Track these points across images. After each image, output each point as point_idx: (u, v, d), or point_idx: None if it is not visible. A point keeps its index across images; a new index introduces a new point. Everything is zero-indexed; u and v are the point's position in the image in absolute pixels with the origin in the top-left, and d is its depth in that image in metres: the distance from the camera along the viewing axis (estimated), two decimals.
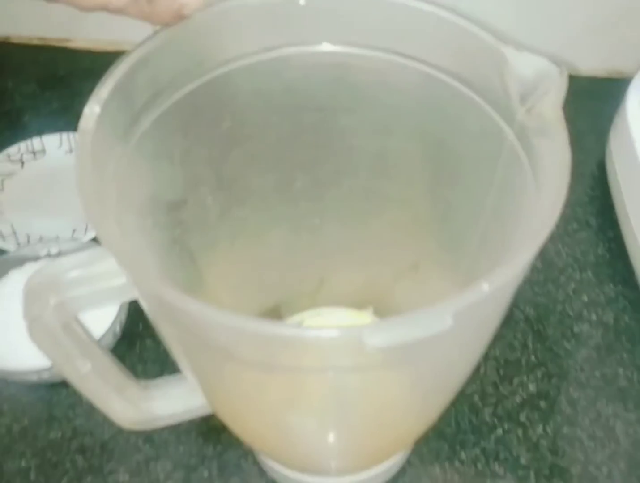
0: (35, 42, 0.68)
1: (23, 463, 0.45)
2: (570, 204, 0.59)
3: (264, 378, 0.27)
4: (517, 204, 0.30)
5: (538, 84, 0.28)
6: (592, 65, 0.69)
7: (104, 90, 0.29)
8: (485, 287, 0.23)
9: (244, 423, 0.35)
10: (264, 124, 0.37)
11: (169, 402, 0.38)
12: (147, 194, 0.33)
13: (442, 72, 0.32)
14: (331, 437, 0.33)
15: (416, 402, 0.32)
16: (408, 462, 0.45)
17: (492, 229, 0.34)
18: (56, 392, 0.48)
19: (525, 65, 0.28)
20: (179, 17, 0.27)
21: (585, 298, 0.53)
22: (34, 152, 0.59)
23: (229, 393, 0.31)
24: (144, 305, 0.28)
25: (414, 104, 0.35)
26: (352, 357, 0.23)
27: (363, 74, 0.35)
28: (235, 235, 0.40)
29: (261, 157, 0.38)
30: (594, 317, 0.52)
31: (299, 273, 0.44)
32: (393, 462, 0.43)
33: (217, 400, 0.34)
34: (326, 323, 0.44)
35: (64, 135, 0.59)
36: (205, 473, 0.45)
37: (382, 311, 0.45)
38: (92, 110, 0.28)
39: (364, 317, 0.45)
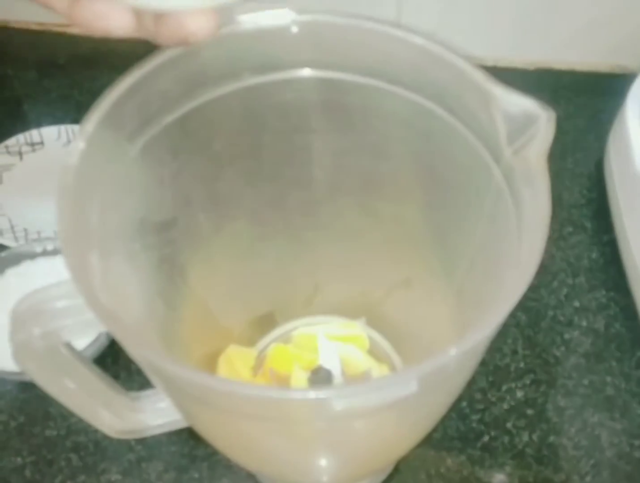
0: (34, 27, 0.68)
1: (19, 461, 0.46)
2: (566, 206, 0.58)
3: (242, 422, 0.27)
4: (501, 243, 0.30)
5: (526, 126, 0.28)
6: (595, 59, 0.67)
7: (90, 124, 0.28)
8: (452, 352, 0.22)
9: (224, 446, 0.35)
10: (256, 144, 0.36)
11: (158, 414, 0.38)
12: (136, 217, 0.33)
13: (431, 103, 0.32)
14: (310, 464, 0.33)
15: (397, 437, 0.32)
16: (395, 469, 0.45)
17: (480, 259, 0.34)
18: None
19: (514, 106, 0.28)
20: (185, 44, 0.26)
21: (577, 304, 0.53)
22: (32, 144, 0.58)
23: (209, 427, 0.31)
24: None
25: (404, 129, 0.34)
26: (320, 415, 0.24)
27: (355, 99, 0.34)
28: (227, 249, 0.40)
29: (254, 175, 0.38)
30: (584, 323, 0.52)
31: (292, 284, 0.44)
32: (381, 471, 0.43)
33: (197, 427, 0.34)
34: (317, 335, 0.44)
35: (62, 128, 0.59)
36: (196, 475, 0.45)
37: (375, 321, 0.46)
38: (77, 146, 0.28)
39: (356, 327, 0.45)
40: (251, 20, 0.32)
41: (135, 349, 0.24)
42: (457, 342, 0.23)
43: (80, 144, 0.28)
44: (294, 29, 0.32)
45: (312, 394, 0.22)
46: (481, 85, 0.29)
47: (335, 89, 0.34)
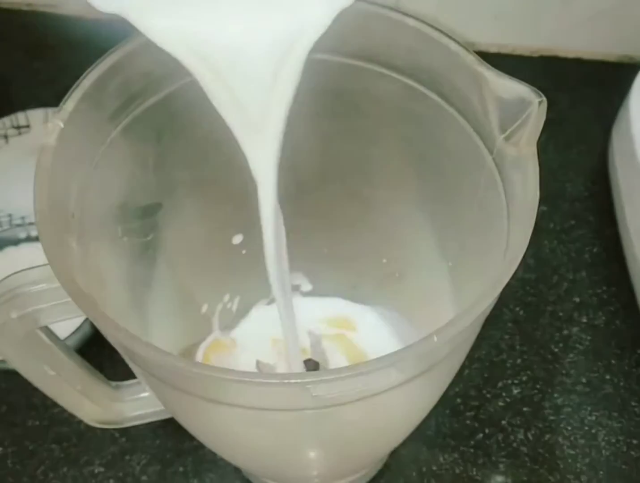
0: (23, 7, 0.68)
1: (0, 450, 0.46)
2: (569, 199, 0.58)
3: (221, 412, 0.28)
4: (492, 231, 0.30)
5: (518, 112, 0.28)
6: (602, 49, 0.67)
7: (69, 103, 0.29)
8: (434, 339, 0.23)
9: (206, 439, 0.35)
10: None
11: (140, 404, 0.39)
12: (118, 201, 0.34)
13: (424, 88, 0.32)
14: (293, 458, 0.33)
15: (383, 429, 0.32)
16: (385, 465, 0.45)
17: (471, 248, 0.34)
18: None
19: (507, 91, 0.28)
20: None
21: (577, 299, 0.53)
22: (18, 127, 0.58)
23: (189, 418, 0.32)
24: None
25: (396, 114, 0.34)
26: (297, 402, 0.24)
27: (345, 82, 0.34)
28: (214, 237, 0.40)
29: (241, 160, 0.38)
30: (584, 319, 0.52)
31: None
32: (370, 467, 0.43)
33: (177, 417, 0.34)
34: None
35: (50, 110, 0.59)
36: (181, 468, 0.46)
37: None
38: (55, 125, 0.28)
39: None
40: None
41: (111, 333, 0.24)
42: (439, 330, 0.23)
43: (59, 124, 0.28)
44: None
45: (290, 378, 0.22)
46: (474, 68, 0.29)
47: (325, 71, 0.34)
